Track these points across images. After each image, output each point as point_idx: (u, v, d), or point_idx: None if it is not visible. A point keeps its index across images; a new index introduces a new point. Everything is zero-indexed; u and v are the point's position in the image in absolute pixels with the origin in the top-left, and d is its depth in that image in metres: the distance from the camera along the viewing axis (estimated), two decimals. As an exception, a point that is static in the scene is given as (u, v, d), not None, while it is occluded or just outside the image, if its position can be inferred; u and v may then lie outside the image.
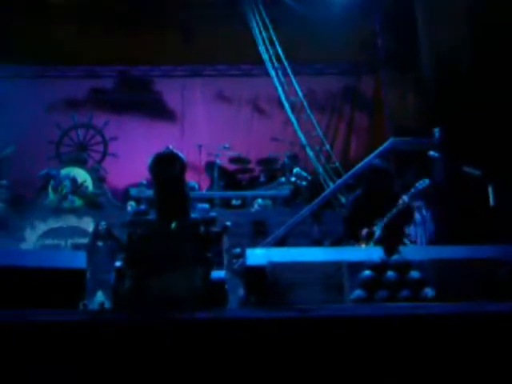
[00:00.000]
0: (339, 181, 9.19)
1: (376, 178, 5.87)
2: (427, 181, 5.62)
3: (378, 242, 5.44)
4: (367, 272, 4.14)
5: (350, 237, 5.82)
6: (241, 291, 4.73)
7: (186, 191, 4.14)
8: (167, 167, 3.80)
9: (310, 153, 10.62)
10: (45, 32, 11.04)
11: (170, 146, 3.94)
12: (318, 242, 8.13)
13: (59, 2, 11.04)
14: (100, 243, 7.43)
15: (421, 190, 5.56)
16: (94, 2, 11.07)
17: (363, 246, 5.61)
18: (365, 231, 5.66)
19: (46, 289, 3.90)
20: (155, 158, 3.85)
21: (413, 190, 5.57)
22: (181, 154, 3.88)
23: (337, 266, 4.13)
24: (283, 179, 10.04)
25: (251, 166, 11.24)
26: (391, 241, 5.38)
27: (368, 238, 5.62)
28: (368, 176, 6.03)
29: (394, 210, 5.54)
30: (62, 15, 11.08)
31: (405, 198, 5.54)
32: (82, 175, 9.60)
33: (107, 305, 3.94)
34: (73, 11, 11.12)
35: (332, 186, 9.46)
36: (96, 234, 7.67)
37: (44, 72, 11.84)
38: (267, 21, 11.07)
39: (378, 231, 5.55)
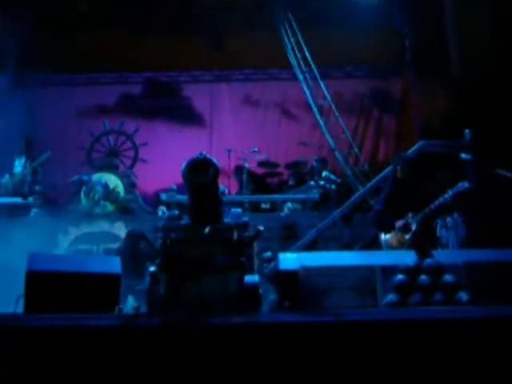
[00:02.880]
0: (369, 184, 9.16)
1: (408, 168, 5.84)
2: (466, 183, 5.57)
3: (414, 236, 5.43)
4: (400, 276, 4.12)
5: (382, 229, 5.79)
6: (272, 295, 4.74)
7: (219, 196, 4.16)
8: (201, 173, 3.80)
9: (339, 156, 10.60)
10: (74, 40, 11.21)
11: (203, 152, 3.95)
12: (348, 246, 8.10)
13: (86, 9, 11.19)
14: (132, 248, 7.51)
15: (462, 191, 5.51)
16: (120, 9, 11.20)
17: (399, 237, 5.60)
18: (400, 222, 5.63)
19: (83, 293, 3.96)
20: (189, 163, 3.84)
21: (455, 190, 5.52)
22: (214, 160, 3.89)
23: (370, 270, 4.13)
24: (312, 183, 10.02)
25: (280, 169, 11.25)
26: (425, 239, 5.37)
27: (404, 230, 5.59)
28: (400, 166, 5.98)
29: (433, 206, 5.51)
30: (90, 23, 11.24)
31: (446, 196, 5.50)
32: (113, 181, 9.70)
33: (142, 309, 3.98)
34: (101, 19, 11.27)
35: (361, 189, 9.44)
36: (130, 239, 7.75)
37: (75, 79, 12.02)
38: (294, 25, 11.08)
39: (414, 224, 5.53)
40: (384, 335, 3.38)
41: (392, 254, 5.18)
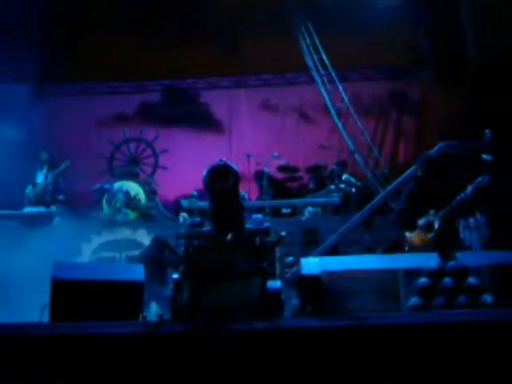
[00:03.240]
0: (389, 187, 9.11)
1: (429, 167, 5.81)
2: (487, 177, 5.53)
3: (437, 235, 5.40)
4: (423, 279, 4.10)
5: (405, 228, 5.75)
6: (294, 300, 4.74)
7: (240, 202, 4.16)
8: (222, 179, 3.80)
9: (359, 158, 10.57)
10: (91, 49, 11.33)
11: (224, 158, 3.96)
12: (369, 250, 8.06)
13: (99, 18, 11.29)
14: (156, 253, 7.55)
15: (482, 184, 5.47)
16: (136, 18, 11.29)
17: (422, 236, 5.57)
18: (423, 220, 5.60)
19: (107, 301, 3.99)
20: (209, 170, 3.84)
21: (475, 185, 5.49)
22: (234, 166, 3.90)
23: (392, 273, 4.11)
24: (333, 186, 9.99)
25: (300, 174, 11.26)
26: (448, 240, 5.33)
27: (427, 228, 5.56)
28: (421, 165, 5.95)
29: (454, 202, 5.48)
30: (106, 32, 11.35)
31: (467, 191, 5.47)
32: (134, 188, 9.80)
33: (165, 316, 4.00)
34: (116, 28, 11.37)
35: (381, 191, 9.40)
36: (155, 244, 7.79)
37: (94, 88, 12.14)
38: (311, 28, 11.08)
39: (437, 223, 5.50)
40: (408, 338, 3.36)
41: (415, 256, 5.15)
